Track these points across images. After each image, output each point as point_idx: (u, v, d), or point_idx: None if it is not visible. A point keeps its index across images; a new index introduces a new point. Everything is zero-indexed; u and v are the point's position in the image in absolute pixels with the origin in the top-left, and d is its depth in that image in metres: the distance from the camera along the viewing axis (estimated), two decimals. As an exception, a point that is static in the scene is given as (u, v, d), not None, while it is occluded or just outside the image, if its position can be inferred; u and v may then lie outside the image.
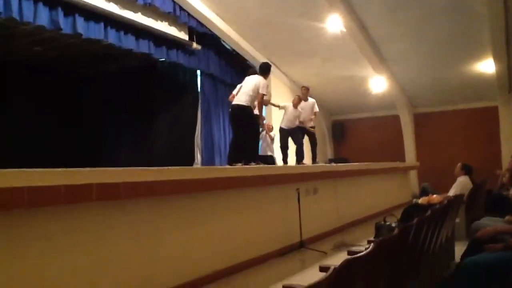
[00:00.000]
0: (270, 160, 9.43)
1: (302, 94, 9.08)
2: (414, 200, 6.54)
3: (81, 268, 3.27)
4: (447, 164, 9.45)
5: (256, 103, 6.82)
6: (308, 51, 11.31)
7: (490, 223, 4.39)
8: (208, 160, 10.38)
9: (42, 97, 10.55)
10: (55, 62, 10.48)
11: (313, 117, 9.09)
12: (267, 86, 6.83)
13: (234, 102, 6.79)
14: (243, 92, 6.70)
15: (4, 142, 9.31)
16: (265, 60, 11.48)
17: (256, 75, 6.89)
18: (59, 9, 7.11)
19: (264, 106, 7.74)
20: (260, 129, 8.72)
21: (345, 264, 1.82)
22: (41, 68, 10.55)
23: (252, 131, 6.85)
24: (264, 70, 7.04)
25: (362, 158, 11.72)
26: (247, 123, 6.76)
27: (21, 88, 10.03)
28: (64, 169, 3.05)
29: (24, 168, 2.85)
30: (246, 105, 6.60)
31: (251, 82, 6.73)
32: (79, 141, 11.01)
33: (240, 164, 6.31)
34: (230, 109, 7.02)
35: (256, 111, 7.07)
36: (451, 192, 6.28)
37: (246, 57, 11.18)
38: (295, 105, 8.86)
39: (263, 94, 6.67)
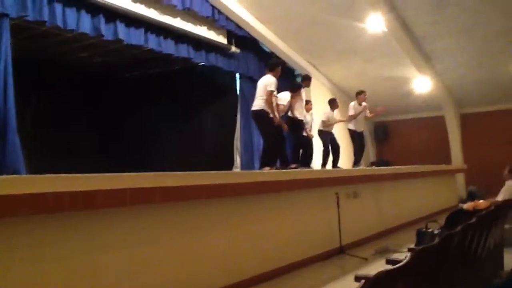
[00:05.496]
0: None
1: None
2: (460, 205, 6.25)
3: (119, 268, 3.32)
4: (496, 167, 8.99)
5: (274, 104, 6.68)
6: (348, 51, 11.11)
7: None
8: (248, 164, 10.34)
9: (88, 99, 10.92)
10: (100, 66, 10.79)
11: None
12: (275, 83, 6.49)
13: (251, 109, 6.71)
14: (256, 97, 6.59)
15: (52, 143, 9.65)
16: (303, 62, 11.44)
17: (265, 75, 6.71)
18: (101, 16, 7.25)
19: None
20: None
21: (379, 277, 1.72)
22: (87, 73, 10.91)
23: (267, 135, 6.63)
24: (271, 67, 6.74)
25: (406, 160, 11.41)
26: (262, 127, 6.67)
27: (69, 91, 10.39)
28: (100, 174, 3.09)
29: (65, 173, 2.93)
30: (259, 109, 6.45)
31: (260, 84, 6.59)
32: (123, 143, 11.26)
33: (268, 168, 6.20)
34: None
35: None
36: (500, 197, 5.97)
37: (285, 59, 11.09)
38: (360, 102, 8.73)
39: (271, 91, 6.38)
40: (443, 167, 11.44)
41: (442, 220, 5.17)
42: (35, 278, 2.82)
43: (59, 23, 6.75)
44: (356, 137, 8.88)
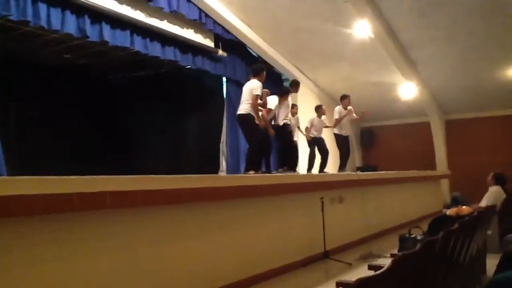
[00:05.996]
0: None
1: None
2: (444, 210, 6.28)
3: (100, 274, 3.25)
4: (481, 173, 9.08)
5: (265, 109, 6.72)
6: (335, 57, 11.13)
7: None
8: (234, 167, 10.31)
9: (72, 103, 10.73)
10: (84, 68, 10.65)
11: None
12: (261, 87, 6.49)
13: (237, 113, 6.68)
14: (242, 101, 6.57)
15: (35, 148, 9.49)
16: (290, 66, 11.45)
17: (250, 80, 6.69)
18: (86, 17, 7.17)
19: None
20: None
21: (359, 283, 1.70)
22: (71, 75, 10.74)
23: (252, 139, 6.59)
24: (256, 72, 6.73)
25: (391, 165, 11.45)
26: (247, 130, 6.64)
27: (52, 94, 10.22)
28: (79, 176, 3.03)
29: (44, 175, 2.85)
30: (245, 113, 6.44)
31: (246, 88, 6.59)
32: (108, 146, 11.12)
33: (253, 172, 6.17)
34: None
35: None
36: (483, 203, 6.01)
37: (272, 64, 11.10)
38: (345, 106, 8.75)
39: (257, 95, 6.38)
40: (428, 172, 11.51)
41: (426, 226, 5.19)
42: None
43: (43, 23, 6.67)
44: (342, 142, 8.90)
